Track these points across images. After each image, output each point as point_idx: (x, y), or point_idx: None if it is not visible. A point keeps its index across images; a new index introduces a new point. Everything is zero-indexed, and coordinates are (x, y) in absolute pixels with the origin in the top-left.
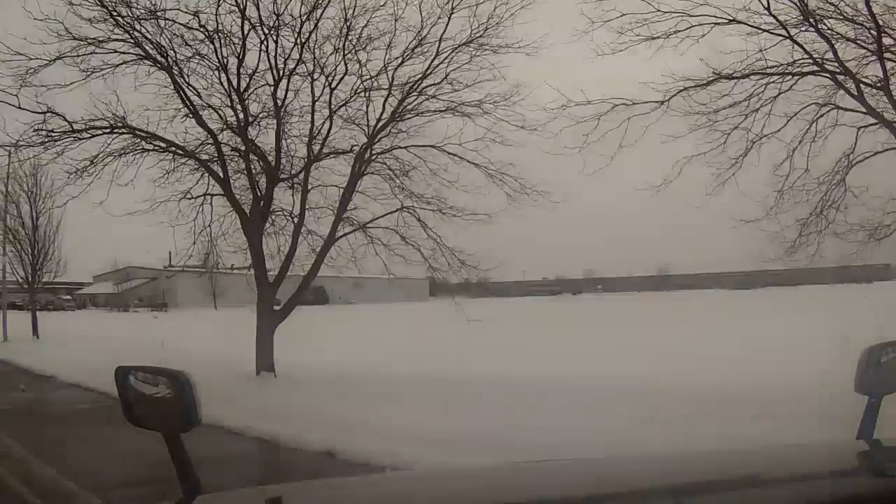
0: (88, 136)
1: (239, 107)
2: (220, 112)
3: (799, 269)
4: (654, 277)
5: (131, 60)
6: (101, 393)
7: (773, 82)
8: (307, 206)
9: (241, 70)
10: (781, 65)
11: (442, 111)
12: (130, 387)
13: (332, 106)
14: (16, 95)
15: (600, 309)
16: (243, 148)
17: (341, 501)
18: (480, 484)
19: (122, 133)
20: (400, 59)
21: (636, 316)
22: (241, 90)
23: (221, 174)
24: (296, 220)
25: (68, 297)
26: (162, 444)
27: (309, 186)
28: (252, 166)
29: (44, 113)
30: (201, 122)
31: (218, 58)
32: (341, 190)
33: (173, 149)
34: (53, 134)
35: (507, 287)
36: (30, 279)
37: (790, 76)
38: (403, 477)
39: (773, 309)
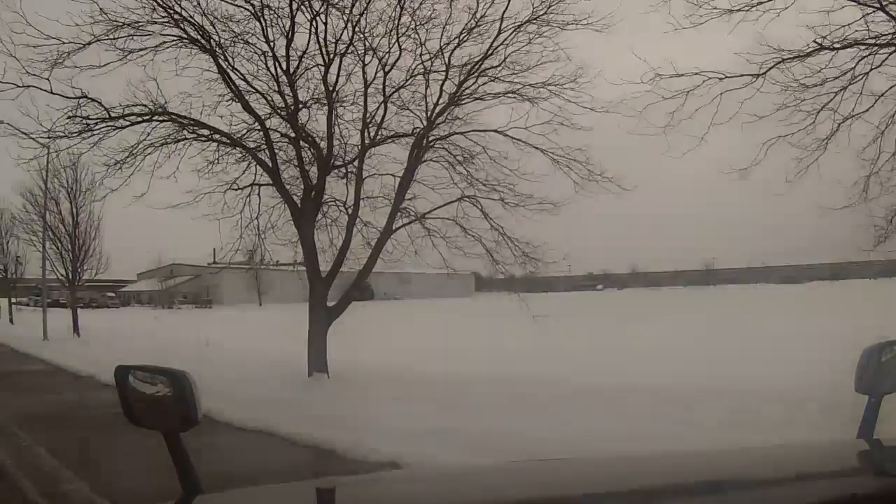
0: (127, 123)
1: (288, 90)
2: (267, 97)
3: (843, 263)
4: (699, 272)
5: (171, 42)
6: None
7: (867, 56)
8: (361, 196)
9: (290, 52)
10: (882, 35)
11: (503, 94)
12: (130, 386)
13: (386, 90)
14: (47, 79)
15: (658, 304)
16: (293, 134)
17: (341, 501)
18: (480, 484)
19: (163, 120)
20: (457, 41)
21: (702, 312)
22: (291, 72)
23: (270, 163)
24: (350, 210)
25: (112, 294)
26: (208, 455)
27: (363, 175)
28: (302, 154)
29: (78, 98)
30: (248, 107)
31: (265, 37)
32: (397, 179)
33: (218, 137)
34: (89, 121)
35: (550, 282)
36: (70, 277)
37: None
38: (403, 476)
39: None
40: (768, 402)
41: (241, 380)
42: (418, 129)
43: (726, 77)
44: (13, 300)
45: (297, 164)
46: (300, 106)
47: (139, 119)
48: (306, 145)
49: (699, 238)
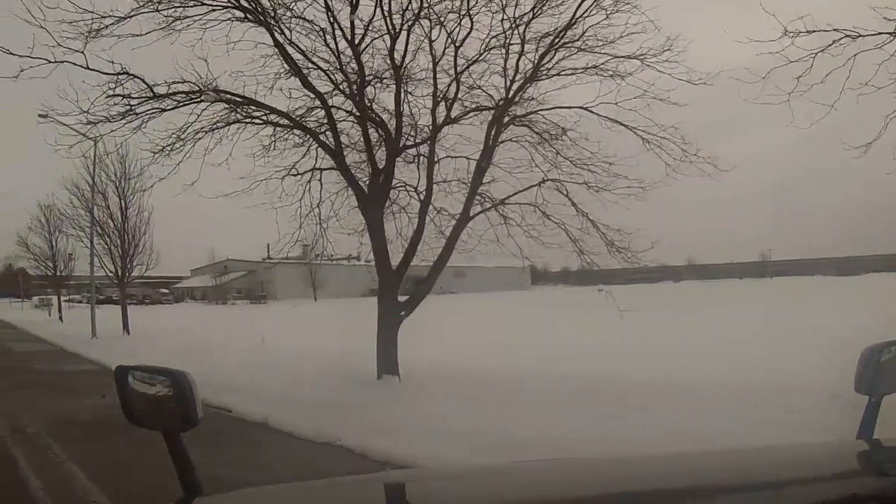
0: (173, 104)
1: (353, 63)
2: (329, 74)
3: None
4: (754, 264)
5: (221, 11)
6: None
7: None
8: (434, 181)
9: (353, 23)
10: None
11: (585, 69)
12: (130, 386)
13: (458, 66)
14: (82, 52)
15: (718, 295)
16: (358, 113)
17: (342, 501)
18: (480, 484)
19: (214, 100)
20: (531, 14)
21: (765, 303)
22: (356, 42)
23: (332, 145)
24: (422, 196)
25: (166, 290)
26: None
27: (435, 158)
28: (369, 135)
29: (117, 74)
30: (307, 83)
31: (326, 6)
32: (471, 163)
33: (274, 118)
34: (131, 100)
35: (606, 274)
36: (120, 273)
37: None
38: (403, 476)
39: None
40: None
41: (301, 381)
42: (498, 102)
43: (860, 36)
44: (66, 298)
45: (364, 144)
46: (367, 81)
47: (187, 99)
48: (373, 126)
49: (754, 228)
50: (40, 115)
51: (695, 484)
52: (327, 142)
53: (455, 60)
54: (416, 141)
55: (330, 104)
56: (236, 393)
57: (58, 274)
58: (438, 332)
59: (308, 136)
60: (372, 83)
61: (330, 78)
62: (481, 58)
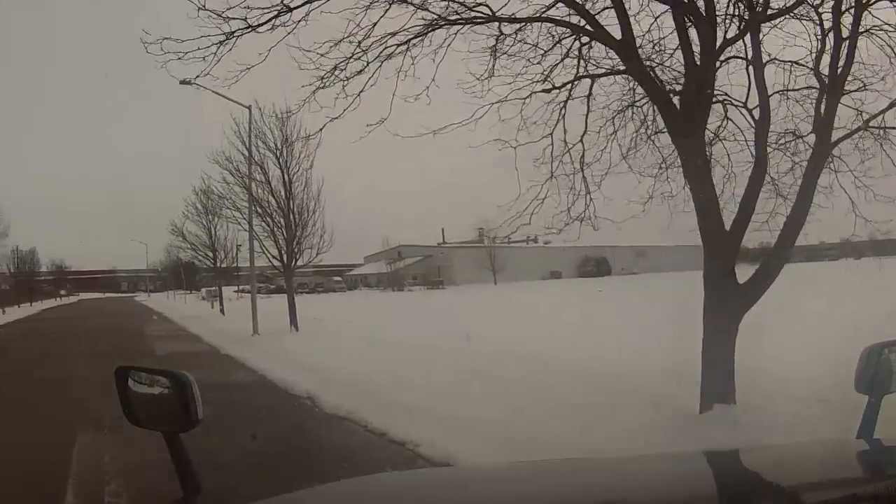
0: None
1: None
2: None
3: None
4: None
5: None
6: (395, 442)
7: None
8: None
9: None
10: None
11: None
12: (130, 387)
13: None
14: None
15: None
16: None
17: (343, 502)
18: (481, 484)
19: None
20: None
21: None
22: None
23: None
24: (755, 114)
25: (338, 278)
26: None
27: (763, 57)
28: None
29: None
30: None
31: None
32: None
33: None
34: None
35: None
36: (286, 259)
37: None
38: (404, 476)
39: None
40: None
41: (575, 411)
42: None
43: None
44: (236, 288)
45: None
46: None
47: None
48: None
49: None
50: (182, 82)
51: (695, 484)
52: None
53: None
54: (739, 31)
55: None
56: (489, 441)
57: (218, 263)
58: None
59: (568, 31)
60: None
61: None
62: None
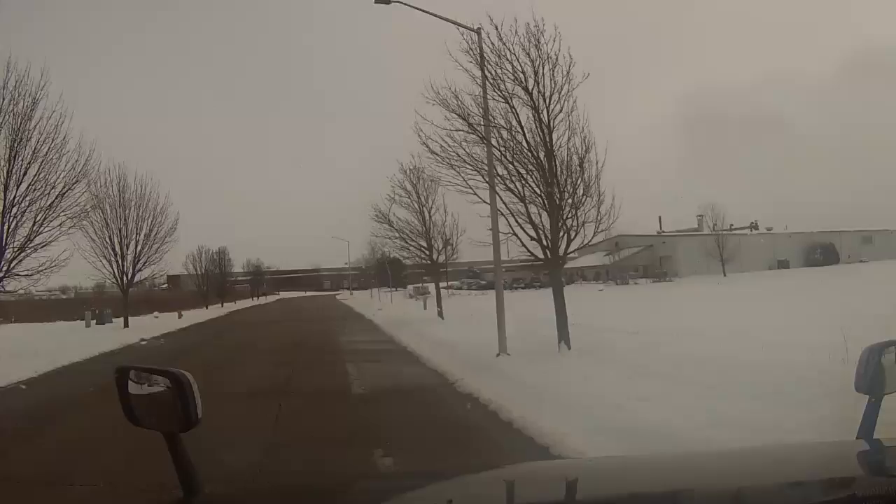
0: None
1: None
2: None
3: None
4: None
5: None
6: None
7: None
8: None
9: None
10: None
11: None
12: (130, 387)
13: None
14: None
15: None
16: None
17: (340, 502)
18: (482, 484)
19: None
20: None
21: None
22: None
23: None
24: None
25: None
26: None
27: None
28: None
29: None
30: None
31: None
32: None
33: None
34: None
35: None
36: (550, 243)
37: None
38: (403, 477)
39: None
40: None
41: None
42: None
43: None
44: (444, 284)
45: None
46: None
47: None
48: None
49: None
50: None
51: (696, 484)
52: None
53: None
54: None
55: None
56: None
57: (435, 257)
58: None
59: None
60: None
61: None
62: None
